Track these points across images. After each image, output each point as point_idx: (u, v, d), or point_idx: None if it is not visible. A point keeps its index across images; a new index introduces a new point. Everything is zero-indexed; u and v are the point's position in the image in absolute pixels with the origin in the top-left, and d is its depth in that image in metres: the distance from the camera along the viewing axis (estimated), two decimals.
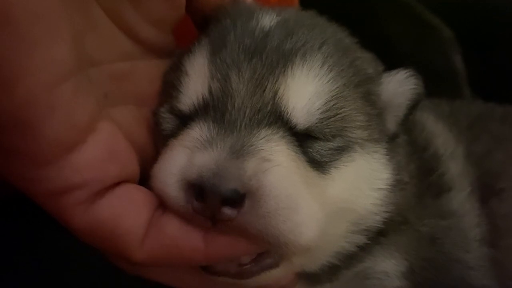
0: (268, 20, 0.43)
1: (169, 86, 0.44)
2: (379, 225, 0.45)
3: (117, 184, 0.38)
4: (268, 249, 0.40)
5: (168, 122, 0.43)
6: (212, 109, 0.40)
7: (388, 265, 0.48)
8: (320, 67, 0.41)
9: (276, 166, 0.37)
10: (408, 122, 0.48)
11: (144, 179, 0.41)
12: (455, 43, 0.87)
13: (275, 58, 0.40)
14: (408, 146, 0.50)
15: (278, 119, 0.39)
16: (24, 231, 0.64)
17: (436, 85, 0.84)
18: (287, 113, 0.40)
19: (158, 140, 0.43)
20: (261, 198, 0.36)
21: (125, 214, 0.37)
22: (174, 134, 0.41)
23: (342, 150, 0.42)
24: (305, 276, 0.47)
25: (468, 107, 0.65)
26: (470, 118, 0.62)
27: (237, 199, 0.35)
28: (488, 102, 0.86)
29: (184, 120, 0.41)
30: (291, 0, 0.75)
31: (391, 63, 0.84)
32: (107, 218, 0.37)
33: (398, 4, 0.90)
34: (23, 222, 0.64)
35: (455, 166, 0.53)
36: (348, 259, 0.47)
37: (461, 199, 0.52)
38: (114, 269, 0.53)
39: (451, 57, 0.86)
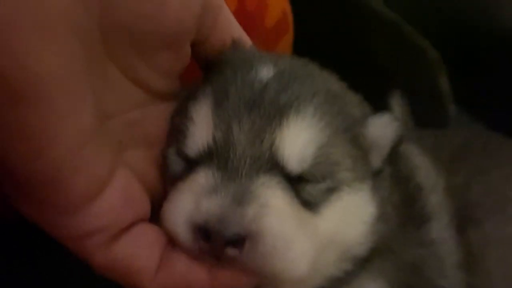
0: (265, 72, 0.47)
1: (176, 129, 0.47)
2: (364, 253, 0.50)
3: (132, 224, 0.42)
4: (266, 281, 0.44)
5: (176, 164, 0.47)
6: (216, 157, 0.43)
7: (372, 287, 0.52)
8: (312, 118, 0.45)
9: (273, 211, 0.41)
10: (392, 156, 0.52)
11: (153, 212, 0.45)
12: (441, 64, 0.89)
13: (272, 111, 0.44)
14: (392, 178, 0.54)
15: (274, 166, 0.43)
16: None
17: (421, 104, 0.88)
18: (283, 161, 0.44)
19: (167, 179, 0.47)
20: (260, 240, 0.40)
21: (139, 253, 0.42)
22: (181, 176, 0.45)
23: (331, 191, 0.46)
24: None
25: (450, 139, 0.69)
26: (451, 151, 0.65)
27: (239, 241, 0.40)
28: (473, 119, 0.90)
29: (191, 164, 0.45)
30: (286, 27, 0.79)
31: (378, 81, 0.87)
32: (124, 257, 0.41)
33: (386, 23, 0.92)
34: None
35: (435, 198, 0.57)
36: (336, 282, 0.51)
37: (440, 229, 0.56)
38: None
39: (436, 78, 0.89)
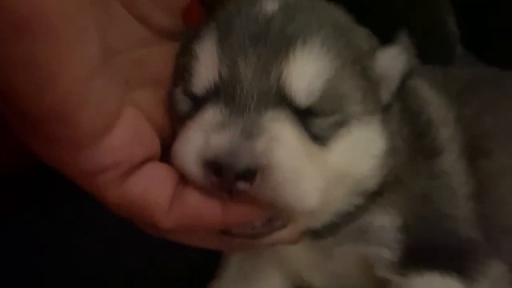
0: (270, 5, 0.46)
1: (182, 69, 0.47)
2: (375, 187, 0.50)
3: (144, 162, 0.42)
4: (277, 214, 0.45)
5: (183, 103, 0.47)
6: (223, 93, 0.43)
7: (384, 220, 0.53)
8: (319, 50, 0.44)
9: (282, 144, 0.42)
10: (401, 91, 0.52)
11: (163, 152, 0.46)
12: (447, 3, 0.89)
13: (278, 44, 0.44)
14: (401, 113, 0.54)
15: (282, 100, 0.43)
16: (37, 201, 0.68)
17: (429, 45, 0.87)
18: (291, 94, 0.43)
19: (175, 119, 0.47)
20: (270, 173, 0.41)
21: (152, 189, 0.42)
22: (189, 114, 0.45)
23: (340, 124, 0.46)
24: (309, 231, 0.52)
25: (459, 73, 0.68)
26: (461, 83, 0.64)
27: (250, 174, 0.40)
28: (480, 61, 0.89)
29: (198, 102, 0.45)
30: None
31: (383, 23, 0.86)
32: (137, 193, 0.41)
33: None
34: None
35: (446, 131, 0.57)
36: (348, 217, 0.52)
37: (451, 161, 0.56)
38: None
39: (442, 17, 0.88)
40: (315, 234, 0.53)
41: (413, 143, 0.54)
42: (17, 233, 0.66)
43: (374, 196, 0.51)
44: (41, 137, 0.38)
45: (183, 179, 0.44)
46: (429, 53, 0.85)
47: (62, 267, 0.65)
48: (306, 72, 0.44)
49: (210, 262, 0.64)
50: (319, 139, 0.45)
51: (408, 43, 0.69)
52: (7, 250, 0.64)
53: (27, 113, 0.36)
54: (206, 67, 0.45)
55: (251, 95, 0.42)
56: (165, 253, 0.64)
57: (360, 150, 0.48)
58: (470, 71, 0.70)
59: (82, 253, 0.66)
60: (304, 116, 0.44)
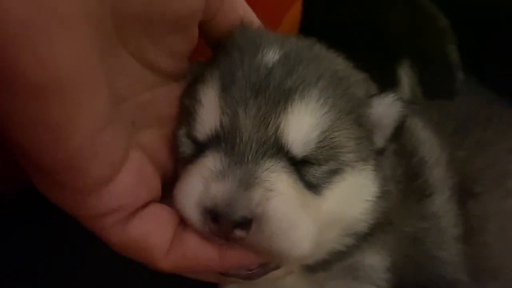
0: (271, 55, 0.47)
1: (186, 111, 0.48)
2: (366, 229, 0.51)
3: (146, 204, 0.44)
4: (272, 259, 0.46)
5: (186, 146, 0.48)
6: (224, 141, 0.45)
7: (374, 260, 0.54)
8: (316, 102, 0.46)
9: (278, 195, 0.43)
10: (397, 135, 0.53)
11: (164, 190, 0.47)
12: (450, 32, 0.89)
13: (277, 96, 0.45)
14: (395, 154, 0.55)
15: (279, 151, 0.44)
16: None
17: (430, 72, 0.88)
18: (287, 146, 0.45)
19: (177, 160, 0.49)
20: (266, 222, 0.42)
21: (153, 232, 0.43)
22: (191, 158, 0.47)
23: (334, 172, 0.47)
24: (302, 266, 0.54)
25: (455, 111, 0.69)
26: (456, 122, 0.66)
27: (246, 223, 0.42)
28: (480, 84, 0.89)
29: (200, 146, 0.47)
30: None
31: (387, 49, 0.86)
32: (139, 236, 0.43)
33: None
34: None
35: (438, 172, 0.58)
36: (340, 255, 0.53)
37: (441, 202, 0.57)
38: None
39: (445, 46, 0.88)
40: (309, 268, 0.54)
41: (405, 183, 0.55)
42: (20, 245, 0.67)
43: (365, 236, 0.52)
44: (51, 184, 0.39)
45: (183, 222, 0.45)
46: (431, 82, 0.86)
47: (65, 280, 0.66)
48: (303, 124, 0.45)
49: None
50: (313, 187, 0.46)
51: (409, 75, 0.70)
52: (11, 261, 0.65)
53: (40, 165, 0.37)
54: (208, 115, 0.46)
55: (250, 145, 0.44)
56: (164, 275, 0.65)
57: (353, 195, 0.49)
58: (466, 107, 0.71)
59: (85, 267, 0.67)
60: (300, 165, 0.46)
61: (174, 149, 0.49)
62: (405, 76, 0.83)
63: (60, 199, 0.40)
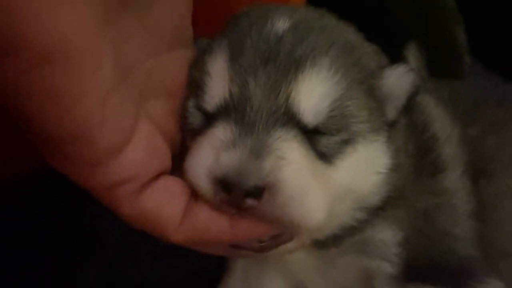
0: (281, 24, 0.47)
1: (194, 83, 0.48)
2: (378, 203, 0.51)
3: (158, 176, 0.43)
4: (284, 229, 0.46)
5: (195, 117, 0.48)
6: (233, 111, 0.44)
7: (386, 235, 0.54)
8: (328, 70, 0.45)
9: (289, 163, 0.43)
10: (408, 107, 0.52)
11: (174, 163, 0.47)
12: (456, 14, 0.87)
13: (288, 64, 0.44)
14: (407, 128, 0.55)
15: (290, 120, 0.44)
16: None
17: (437, 56, 0.87)
18: (299, 114, 0.44)
19: (186, 131, 0.48)
20: (277, 191, 0.42)
21: (166, 204, 0.43)
22: (201, 129, 0.46)
23: (346, 143, 0.46)
24: (314, 241, 0.53)
25: (466, 91, 0.68)
26: (468, 102, 0.65)
27: (257, 192, 0.41)
28: (488, 69, 0.88)
29: (209, 117, 0.46)
30: None
31: (391, 33, 0.85)
32: (151, 207, 0.43)
33: None
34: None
35: (450, 149, 0.58)
36: (351, 230, 0.53)
37: (454, 178, 0.56)
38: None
39: (452, 28, 0.87)
40: (319, 244, 0.54)
41: (417, 158, 0.55)
42: (26, 243, 0.66)
43: (377, 211, 0.52)
44: (60, 155, 0.39)
45: (195, 193, 0.45)
46: (438, 64, 0.85)
47: (73, 277, 0.66)
48: (314, 92, 0.44)
49: (216, 266, 0.65)
50: (325, 157, 0.46)
51: (416, 56, 0.69)
52: (16, 260, 0.64)
53: (48, 136, 0.37)
54: (217, 85, 0.46)
55: (260, 114, 0.43)
56: (171, 259, 0.65)
57: (365, 167, 0.49)
58: (478, 88, 0.71)
59: (92, 263, 0.67)
60: (311, 134, 0.45)
61: (183, 120, 0.49)
62: (412, 57, 0.82)
63: (70, 170, 0.40)
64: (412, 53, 0.82)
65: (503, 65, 0.85)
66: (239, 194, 0.41)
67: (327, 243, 0.54)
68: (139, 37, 0.42)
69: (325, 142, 0.46)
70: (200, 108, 0.47)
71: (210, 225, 0.44)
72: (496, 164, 0.59)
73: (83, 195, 0.42)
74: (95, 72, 0.36)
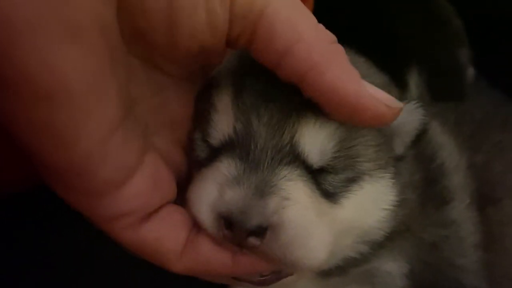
0: None
1: (201, 115, 0.47)
2: (382, 237, 0.50)
3: (160, 207, 0.42)
4: (286, 268, 0.45)
5: (201, 149, 0.47)
6: (238, 147, 0.43)
7: (391, 266, 0.52)
8: None
9: (294, 203, 0.41)
10: (415, 142, 0.51)
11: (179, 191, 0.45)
12: (461, 34, 0.87)
13: (290, 103, 0.43)
14: (414, 160, 0.53)
15: (296, 159, 0.43)
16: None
17: (437, 74, 0.86)
18: (304, 155, 0.43)
19: (192, 162, 0.47)
20: (281, 231, 0.41)
21: (167, 235, 0.42)
22: (206, 161, 0.45)
23: (352, 181, 0.45)
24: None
25: (471, 114, 0.67)
26: (473, 126, 0.64)
27: (261, 231, 0.40)
28: (492, 87, 0.87)
29: (214, 151, 0.45)
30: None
31: (396, 53, 0.84)
32: (152, 239, 0.41)
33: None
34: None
35: (457, 179, 0.57)
36: (354, 261, 0.51)
37: (461, 210, 0.55)
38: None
39: (454, 49, 0.86)
40: (323, 273, 0.53)
41: (424, 189, 0.54)
42: (28, 249, 0.65)
43: (383, 243, 0.51)
44: (62, 187, 0.38)
45: (197, 225, 0.44)
46: (439, 83, 0.84)
47: (73, 283, 0.64)
48: (319, 134, 0.43)
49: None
50: (330, 195, 0.45)
51: (417, 83, 0.68)
52: (18, 265, 0.63)
53: (50, 168, 0.36)
54: (222, 121, 0.45)
55: (265, 152, 0.42)
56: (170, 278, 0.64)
57: (371, 204, 0.47)
58: (482, 110, 0.69)
59: (93, 270, 0.65)
60: (317, 173, 0.44)
61: (189, 151, 0.47)
62: (414, 85, 0.81)
63: (72, 200, 0.39)
64: (414, 79, 0.81)
65: (508, 80, 0.84)
66: (242, 232, 0.40)
67: (331, 272, 0.52)
68: (145, 75, 0.42)
69: (330, 180, 0.45)
70: (206, 141, 0.46)
71: (212, 259, 0.43)
72: (502, 190, 0.58)
73: None
74: (97, 111, 0.35)
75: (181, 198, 0.45)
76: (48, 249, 0.65)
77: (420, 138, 0.50)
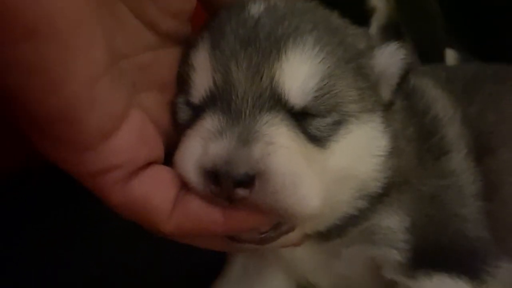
0: (256, 8, 0.44)
1: (182, 78, 0.45)
2: (379, 190, 0.48)
3: (148, 165, 0.40)
4: (280, 219, 0.42)
5: (183, 112, 0.45)
6: (219, 100, 0.42)
7: (392, 221, 0.50)
8: (312, 49, 0.42)
9: (279, 148, 0.39)
10: (403, 89, 0.49)
11: (167, 156, 0.44)
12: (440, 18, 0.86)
13: (268, 45, 0.42)
14: (406, 111, 0.51)
15: (277, 102, 0.41)
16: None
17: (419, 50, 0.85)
18: (284, 96, 0.41)
19: (177, 127, 0.46)
20: (269, 178, 0.39)
21: (155, 192, 0.40)
22: (189, 123, 0.44)
23: (338, 124, 0.43)
24: (316, 234, 0.50)
25: (462, 70, 0.65)
26: (465, 80, 0.62)
27: (248, 180, 0.38)
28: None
29: (197, 110, 0.43)
30: None
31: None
32: (140, 195, 0.40)
33: None
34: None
35: (453, 130, 0.55)
36: (354, 219, 0.49)
37: (459, 160, 0.53)
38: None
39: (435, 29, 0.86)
40: (322, 236, 0.50)
41: (420, 142, 0.52)
42: (23, 235, 0.64)
43: (381, 197, 0.49)
44: (48, 137, 0.37)
45: (186, 185, 0.42)
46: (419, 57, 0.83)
47: (69, 269, 0.63)
48: (299, 71, 0.42)
49: (215, 260, 0.62)
50: (317, 140, 0.43)
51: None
52: (13, 251, 0.62)
53: (34, 115, 0.35)
54: (201, 76, 0.43)
55: (246, 99, 0.41)
56: (169, 252, 0.61)
57: (361, 149, 0.45)
58: (473, 68, 0.67)
59: (88, 255, 0.64)
60: (301, 117, 0.42)
61: (174, 116, 0.46)
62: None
63: (57, 155, 0.38)
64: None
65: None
66: (229, 184, 0.38)
67: (330, 234, 0.50)
68: (135, 29, 0.40)
69: (316, 124, 0.43)
70: (188, 103, 0.45)
71: (202, 215, 0.41)
72: (497, 139, 0.56)
73: (81, 187, 0.40)
74: (84, 52, 0.34)
75: (170, 164, 0.43)
76: (47, 232, 0.64)
77: (405, 79, 0.48)
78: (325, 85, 0.42)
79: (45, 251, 0.62)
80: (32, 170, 0.61)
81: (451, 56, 0.87)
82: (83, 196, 0.42)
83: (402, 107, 0.51)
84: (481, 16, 0.89)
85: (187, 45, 0.47)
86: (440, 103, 0.56)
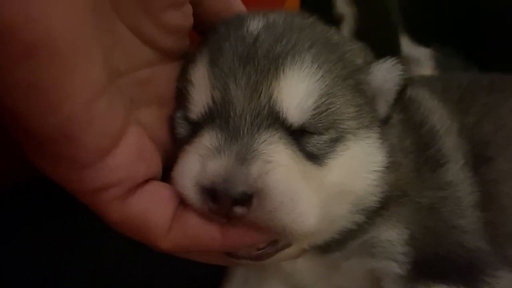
0: (256, 23, 0.44)
1: (180, 93, 0.45)
2: (376, 204, 0.48)
3: (146, 181, 0.40)
4: (277, 236, 0.42)
5: (182, 127, 0.45)
6: (217, 117, 0.42)
7: (391, 234, 0.50)
8: (310, 67, 0.42)
9: (277, 167, 0.39)
10: (402, 103, 0.49)
11: (165, 173, 0.44)
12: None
13: (267, 63, 0.42)
14: (402, 124, 0.51)
15: (275, 120, 0.41)
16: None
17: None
18: (282, 114, 0.41)
19: (175, 142, 0.46)
20: (266, 196, 0.39)
21: (153, 209, 0.40)
22: (188, 138, 0.44)
23: (336, 141, 0.43)
24: (315, 247, 0.50)
25: (457, 80, 0.65)
26: (461, 90, 0.62)
27: (246, 199, 0.38)
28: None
29: (195, 126, 0.43)
30: None
31: None
32: (139, 212, 0.40)
33: None
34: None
35: (450, 141, 0.55)
36: (352, 233, 0.49)
37: (456, 171, 0.53)
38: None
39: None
40: (322, 249, 0.50)
41: (417, 154, 0.52)
42: (23, 244, 0.64)
43: (379, 211, 0.49)
44: (46, 156, 0.37)
45: (184, 201, 0.42)
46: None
47: (69, 278, 0.63)
48: (297, 90, 0.42)
49: (216, 272, 0.61)
50: (315, 158, 0.43)
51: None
52: (13, 259, 0.62)
53: (33, 134, 0.35)
54: (200, 93, 0.43)
55: (244, 117, 0.41)
56: (169, 264, 0.61)
57: (358, 166, 0.45)
58: (468, 77, 0.67)
59: (88, 265, 0.64)
60: (298, 135, 0.42)
61: (173, 132, 0.46)
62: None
63: (56, 173, 0.38)
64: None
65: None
66: (227, 202, 0.38)
67: (329, 248, 0.50)
68: (133, 46, 0.41)
69: (313, 142, 0.43)
70: (186, 118, 0.45)
71: (200, 232, 0.41)
72: (493, 149, 0.56)
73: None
74: (82, 71, 0.34)
75: (168, 179, 0.43)
76: (45, 240, 0.63)
77: (403, 95, 0.48)
78: (323, 103, 0.42)
79: (44, 260, 0.62)
80: (33, 179, 0.59)
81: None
82: (83, 206, 0.42)
83: (399, 121, 0.51)
84: (473, 16, 0.90)
85: (185, 60, 0.47)
86: (436, 114, 0.56)
